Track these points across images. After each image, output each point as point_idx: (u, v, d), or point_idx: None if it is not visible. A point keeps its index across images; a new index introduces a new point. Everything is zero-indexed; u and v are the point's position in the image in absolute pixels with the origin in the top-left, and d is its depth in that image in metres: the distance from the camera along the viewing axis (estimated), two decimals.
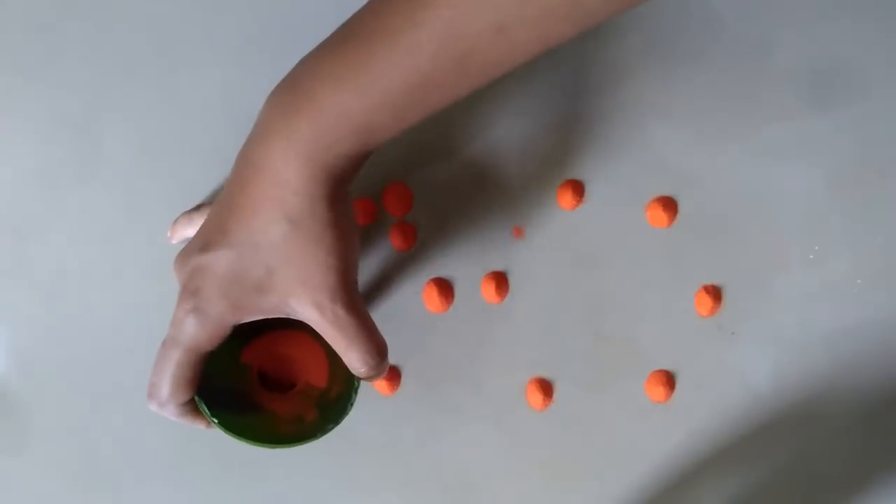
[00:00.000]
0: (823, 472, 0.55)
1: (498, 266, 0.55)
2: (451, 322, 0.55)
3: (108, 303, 0.54)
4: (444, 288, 0.54)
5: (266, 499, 0.55)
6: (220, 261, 0.43)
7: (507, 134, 0.54)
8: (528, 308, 0.55)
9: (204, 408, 0.46)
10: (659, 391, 0.55)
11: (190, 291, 0.44)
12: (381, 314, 0.54)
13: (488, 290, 0.54)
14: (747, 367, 0.55)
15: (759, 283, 0.55)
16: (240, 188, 0.43)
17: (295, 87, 0.43)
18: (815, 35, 0.55)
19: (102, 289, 0.54)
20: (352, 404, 0.47)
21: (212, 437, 0.54)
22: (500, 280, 0.54)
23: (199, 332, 0.44)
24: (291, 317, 0.44)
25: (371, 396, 0.55)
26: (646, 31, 0.54)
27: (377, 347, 0.45)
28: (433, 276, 0.54)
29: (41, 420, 0.54)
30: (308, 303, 0.43)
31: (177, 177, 0.54)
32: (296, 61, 0.54)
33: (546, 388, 0.55)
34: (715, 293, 0.55)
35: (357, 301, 0.44)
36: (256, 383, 0.48)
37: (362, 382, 0.47)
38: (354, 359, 0.44)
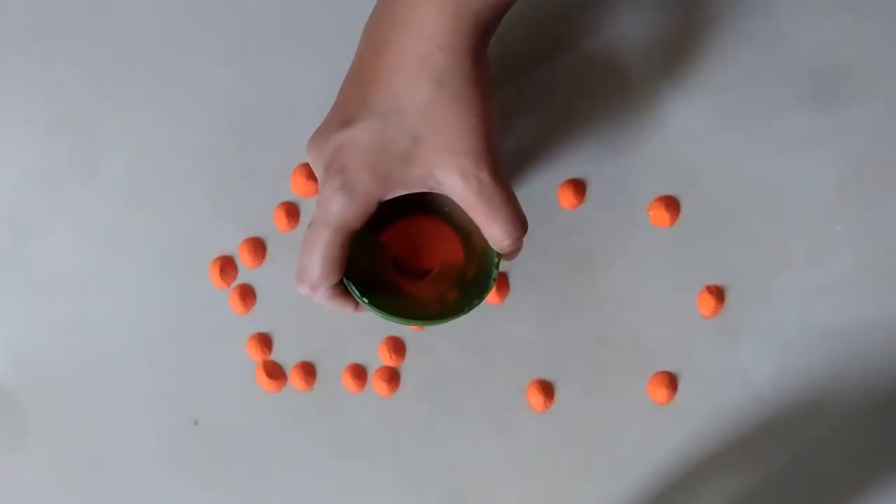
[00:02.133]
0: (826, 472, 0.55)
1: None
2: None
3: (108, 303, 0.54)
4: None
5: (266, 499, 0.55)
6: (364, 133, 0.41)
7: (507, 134, 0.54)
8: (528, 308, 0.54)
9: (353, 289, 0.45)
10: (661, 392, 0.54)
11: (335, 169, 0.42)
12: None
13: None
14: (750, 367, 0.55)
15: (761, 283, 0.54)
16: (377, 51, 0.42)
17: None
18: (819, 33, 0.54)
19: (102, 289, 0.54)
20: (494, 279, 0.46)
21: (210, 438, 0.54)
22: (500, 280, 0.54)
23: (347, 209, 0.42)
24: (434, 190, 0.43)
25: (371, 397, 0.54)
26: (648, 31, 0.54)
27: (520, 218, 0.43)
28: None
29: (41, 420, 0.54)
30: (453, 171, 0.41)
31: (177, 177, 0.54)
32: (295, 62, 0.54)
33: (547, 389, 0.54)
34: (718, 293, 0.54)
35: (500, 169, 0.43)
36: (393, 268, 0.47)
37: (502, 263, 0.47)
38: (497, 230, 0.43)
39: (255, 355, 0.54)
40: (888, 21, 0.54)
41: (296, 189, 0.54)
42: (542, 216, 0.54)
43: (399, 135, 0.41)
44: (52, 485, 0.55)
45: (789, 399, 0.55)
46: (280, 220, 0.54)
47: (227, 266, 0.54)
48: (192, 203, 0.54)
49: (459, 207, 0.44)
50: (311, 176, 0.54)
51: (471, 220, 0.44)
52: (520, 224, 0.44)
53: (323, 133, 0.43)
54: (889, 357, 0.55)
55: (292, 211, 0.54)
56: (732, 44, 0.54)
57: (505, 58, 0.53)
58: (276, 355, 0.54)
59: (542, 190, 0.54)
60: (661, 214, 0.54)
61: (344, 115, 0.43)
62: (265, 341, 0.54)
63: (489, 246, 0.45)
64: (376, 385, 0.54)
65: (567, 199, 0.54)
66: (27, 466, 0.54)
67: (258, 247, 0.54)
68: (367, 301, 0.45)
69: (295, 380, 0.54)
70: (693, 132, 0.54)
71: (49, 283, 0.54)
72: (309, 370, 0.54)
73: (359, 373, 0.54)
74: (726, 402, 0.55)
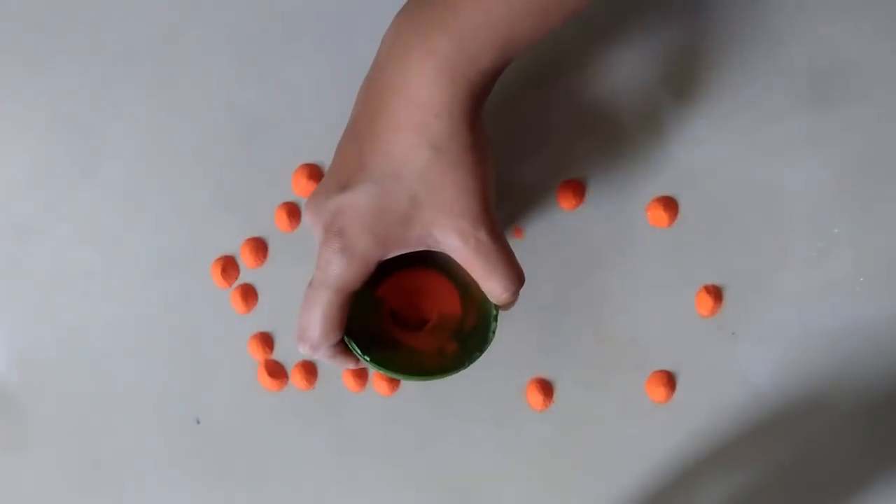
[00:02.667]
0: (825, 471, 0.55)
1: None
2: None
3: (109, 303, 0.54)
4: None
5: (266, 499, 0.55)
6: (363, 197, 0.42)
7: (507, 134, 0.54)
8: (528, 308, 0.55)
9: (355, 347, 0.46)
10: (659, 391, 0.55)
11: (334, 232, 0.43)
12: None
13: None
14: (748, 367, 0.55)
15: (759, 282, 0.55)
16: (373, 115, 0.42)
17: None
18: (818, 33, 0.54)
19: (102, 289, 0.54)
20: (493, 332, 0.47)
21: (211, 438, 0.54)
22: None
23: (346, 271, 0.43)
24: (432, 248, 0.43)
25: (372, 396, 0.55)
26: (648, 32, 0.54)
27: (517, 273, 0.44)
28: None
29: (41, 420, 0.54)
30: (451, 231, 0.42)
31: (177, 177, 0.54)
32: (296, 62, 0.54)
33: (546, 388, 0.55)
34: (716, 293, 0.55)
35: (498, 227, 0.44)
36: (390, 321, 0.48)
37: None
38: (496, 285, 0.44)
39: (256, 354, 0.54)
40: (888, 21, 0.55)
41: (297, 189, 0.54)
42: (542, 216, 0.54)
43: (397, 198, 0.42)
44: (53, 485, 0.54)
45: (787, 398, 0.55)
46: (281, 220, 0.54)
47: (228, 266, 0.54)
48: (193, 203, 0.54)
49: (457, 262, 0.44)
50: (311, 176, 0.54)
51: (468, 274, 0.45)
52: (517, 278, 0.44)
53: (321, 195, 0.44)
54: (888, 356, 0.55)
55: (293, 211, 0.54)
56: (731, 45, 0.54)
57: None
58: (278, 354, 0.54)
59: (541, 190, 0.54)
60: (660, 215, 0.54)
61: (342, 178, 0.43)
62: (266, 341, 0.54)
63: (486, 297, 0.46)
64: (377, 384, 0.54)
65: (567, 199, 0.54)
66: (29, 466, 0.54)
67: (259, 247, 0.54)
68: (368, 359, 0.46)
69: (296, 379, 0.54)
70: (692, 133, 0.55)
71: (50, 283, 0.54)
72: (310, 369, 0.54)
73: (359, 372, 0.54)
74: (724, 402, 0.55)
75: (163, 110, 0.54)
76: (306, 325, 0.45)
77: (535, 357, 0.55)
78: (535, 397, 0.54)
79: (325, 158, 0.54)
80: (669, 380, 0.55)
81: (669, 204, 0.54)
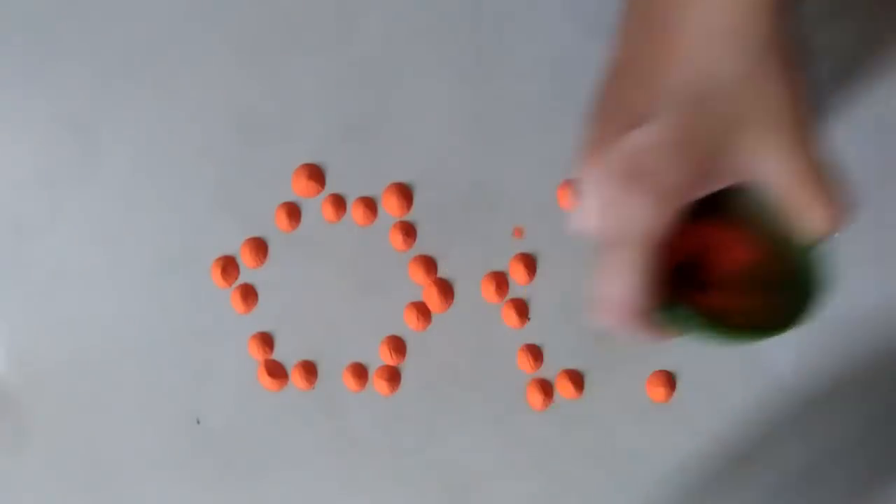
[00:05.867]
0: (825, 471, 0.55)
1: (498, 266, 0.55)
2: (451, 322, 0.55)
3: (109, 303, 0.54)
4: (444, 288, 0.54)
5: (267, 497, 0.55)
6: (665, 130, 0.35)
7: (506, 134, 0.54)
8: (528, 308, 0.55)
9: (678, 310, 0.38)
10: (659, 391, 0.55)
11: (634, 176, 0.35)
12: (382, 314, 0.54)
13: (488, 290, 0.54)
14: (748, 366, 0.55)
15: None
16: (652, 41, 0.37)
17: None
18: (818, 34, 0.54)
19: (103, 289, 0.54)
20: (823, 274, 0.39)
21: (211, 438, 0.54)
22: (500, 280, 0.54)
23: (656, 218, 0.36)
24: (747, 178, 0.37)
25: (372, 396, 0.55)
26: None
27: (845, 200, 0.37)
28: (433, 276, 0.54)
29: (41, 420, 0.54)
30: (777, 150, 0.36)
31: (177, 177, 0.54)
32: (296, 61, 0.54)
33: (546, 388, 0.55)
34: None
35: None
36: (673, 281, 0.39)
37: None
38: (818, 214, 0.37)
39: (256, 354, 0.54)
40: (888, 22, 0.55)
41: (297, 189, 0.54)
42: (542, 216, 0.54)
43: (710, 122, 0.36)
44: (53, 485, 0.54)
45: (788, 398, 0.55)
46: (281, 220, 0.54)
47: (228, 266, 0.54)
48: (193, 203, 0.54)
49: (755, 202, 0.38)
50: (311, 176, 0.54)
51: (767, 212, 0.38)
52: (845, 206, 0.38)
53: (601, 144, 0.37)
54: (887, 356, 0.55)
55: (293, 211, 0.54)
56: None
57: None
58: (278, 354, 0.54)
59: (542, 190, 0.54)
60: None
61: (622, 119, 0.36)
62: (266, 340, 0.54)
63: (793, 241, 0.39)
64: (377, 384, 0.55)
65: (566, 199, 0.54)
66: (29, 467, 0.54)
67: (260, 247, 0.54)
68: (696, 324, 0.38)
69: (296, 379, 0.54)
70: None
71: (50, 282, 0.54)
72: (310, 369, 0.54)
73: (360, 372, 0.54)
74: (724, 401, 0.55)
75: (163, 110, 0.54)
76: (616, 293, 0.37)
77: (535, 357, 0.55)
78: (535, 397, 0.54)
79: (326, 158, 0.54)
80: (669, 380, 0.55)
81: None
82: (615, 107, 0.37)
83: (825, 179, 0.37)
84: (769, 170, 0.37)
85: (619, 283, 0.37)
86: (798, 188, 0.37)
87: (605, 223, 0.37)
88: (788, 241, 0.39)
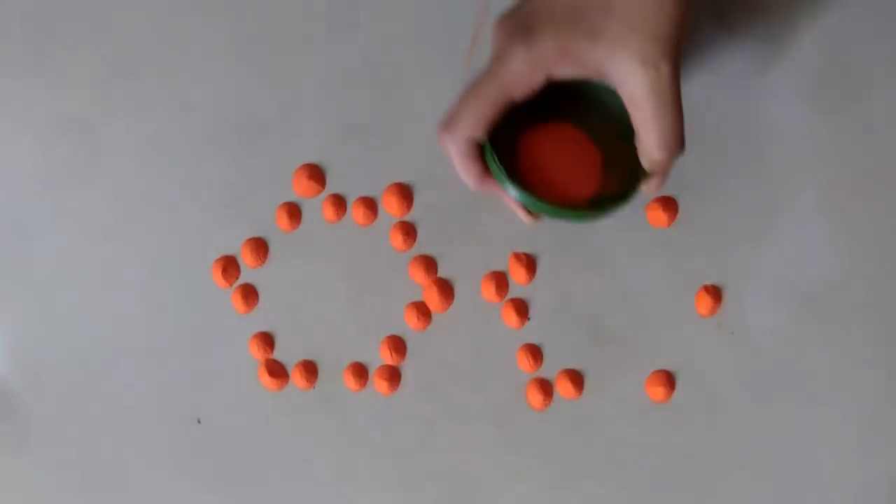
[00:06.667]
0: (825, 470, 0.55)
1: (498, 266, 0.55)
2: (451, 322, 0.55)
3: (109, 303, 0.54)
4: (444, 288, 0.54)
5: (267, 497, 0.55)
6: None
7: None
8: (528, 308, 0.55)
9: (494, 156, 0.43)
10: (659, 391, 0.55)
11: (523, 28, 0.41)
12: (382, 314, 0.54)
13: (488, 290, 0.54)
14: (747, 366, 0.55)
15: (759, 282, 0.55)
16: None
17: None
18: (817, 35, 0.55)
19: (104, 289, 0.54)
20: (634, 192, 0.44)
21: (211, 438, 0.54)
22: (500, 280, 0.54)
23: (520, 69, 0.41)
24: (604, 78, 0.41)
25: (372, 395, 0.55)
26: None
27: (681, 133, 0.41)
28: (433, 276, 0.54)
29: (41, 420, 0.54)
30: (633, 55, 0.39)
31: (178, 177, 0.54)
32: (296, 61, 0.54)
33: (546, 387, 0.55)
34: (715, 293, 0.55)
35: (679, 69, 0.40)
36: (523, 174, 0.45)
37: None
38: (654, 138, 0.41)
39: (256, 354, 0.54)
40: (888, 22, 0.55)
41: (297, 189, 0.54)
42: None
43: (593, 5, 0.40)
44: (54, 485, 0.54)
45: (787, 398, 0.55)
46: (282, 220, 0.54)
47: (229, 266, 0.54)
48: (194, 203, 0.54)
49: (611, 114, 0.42)
50: (312, 176, 0.54)
51: (619, 130, 0.42)
52: (680, 140, 0.42)
53: (513, 8, 0.42)
54: (887, 355, 0.55)
55: (294, 211, 0.54)
56: (730, 45, 0.54)
57: None
58: (278, 354, 0.54)
59: None
60: (660, 215, 0.54)
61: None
62: (267, 340, 0.54)
63: (633, 167, 0.43)
64: (377, 384, 0.55)
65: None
66: (30, 467, 0.54)
67: (260, 247, 0.54)
68: (503, 170, 0.43)
69: (296, 378, 0.54)
70: (690, 133, 0.54)
71: (50, 283, 0.54)
72: (310, 369, 0.54)
73: (360, 371, 0.54)
74: (724, 401, 0.55)
75: (163, 110, 0.54)
76: (458, 112, 0.43)
77: (535, 356, 0.55)
78: (535, 397, 0.55)
79: (326, 158, 0.54)
80: (669, 379, 0.55)
81: (669, 204, 0.54)
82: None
83: (671, 101, 0.40)
84: (625, 72, 0.40)
85: (464, 106, 0.42)
86: (641, 100, 0.40)
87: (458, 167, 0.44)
88: (624, 164, 0.43)
